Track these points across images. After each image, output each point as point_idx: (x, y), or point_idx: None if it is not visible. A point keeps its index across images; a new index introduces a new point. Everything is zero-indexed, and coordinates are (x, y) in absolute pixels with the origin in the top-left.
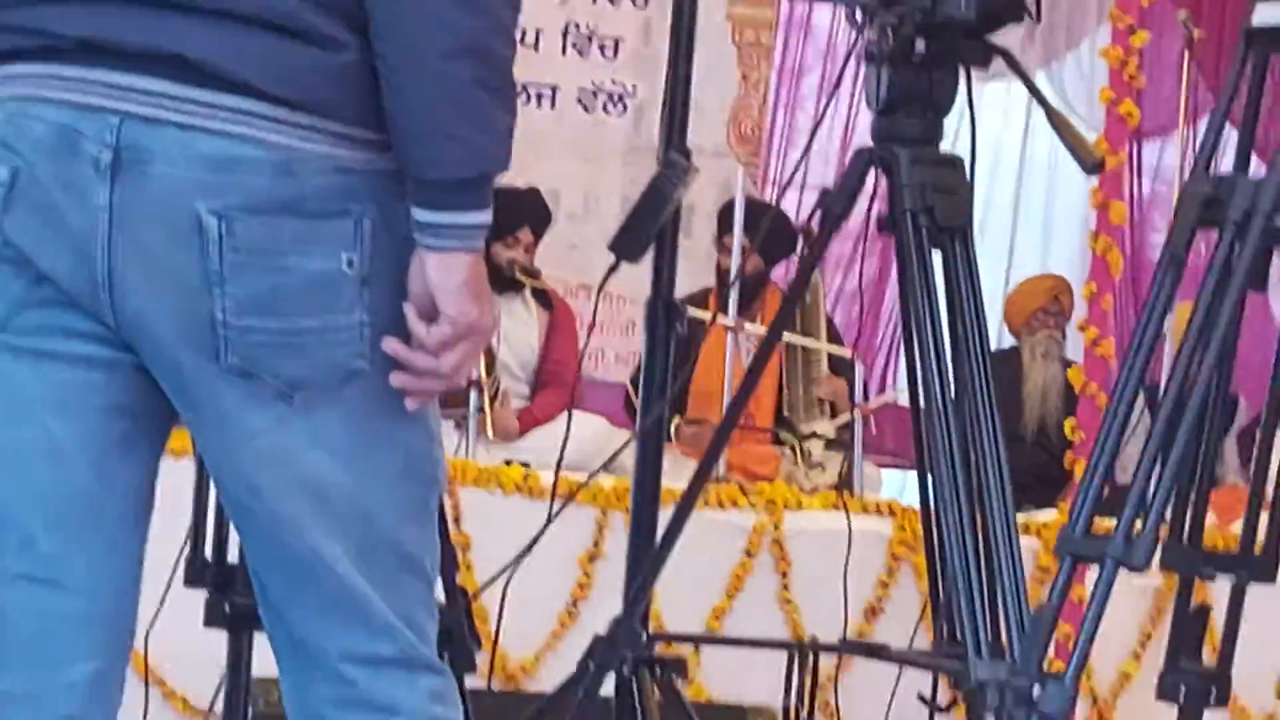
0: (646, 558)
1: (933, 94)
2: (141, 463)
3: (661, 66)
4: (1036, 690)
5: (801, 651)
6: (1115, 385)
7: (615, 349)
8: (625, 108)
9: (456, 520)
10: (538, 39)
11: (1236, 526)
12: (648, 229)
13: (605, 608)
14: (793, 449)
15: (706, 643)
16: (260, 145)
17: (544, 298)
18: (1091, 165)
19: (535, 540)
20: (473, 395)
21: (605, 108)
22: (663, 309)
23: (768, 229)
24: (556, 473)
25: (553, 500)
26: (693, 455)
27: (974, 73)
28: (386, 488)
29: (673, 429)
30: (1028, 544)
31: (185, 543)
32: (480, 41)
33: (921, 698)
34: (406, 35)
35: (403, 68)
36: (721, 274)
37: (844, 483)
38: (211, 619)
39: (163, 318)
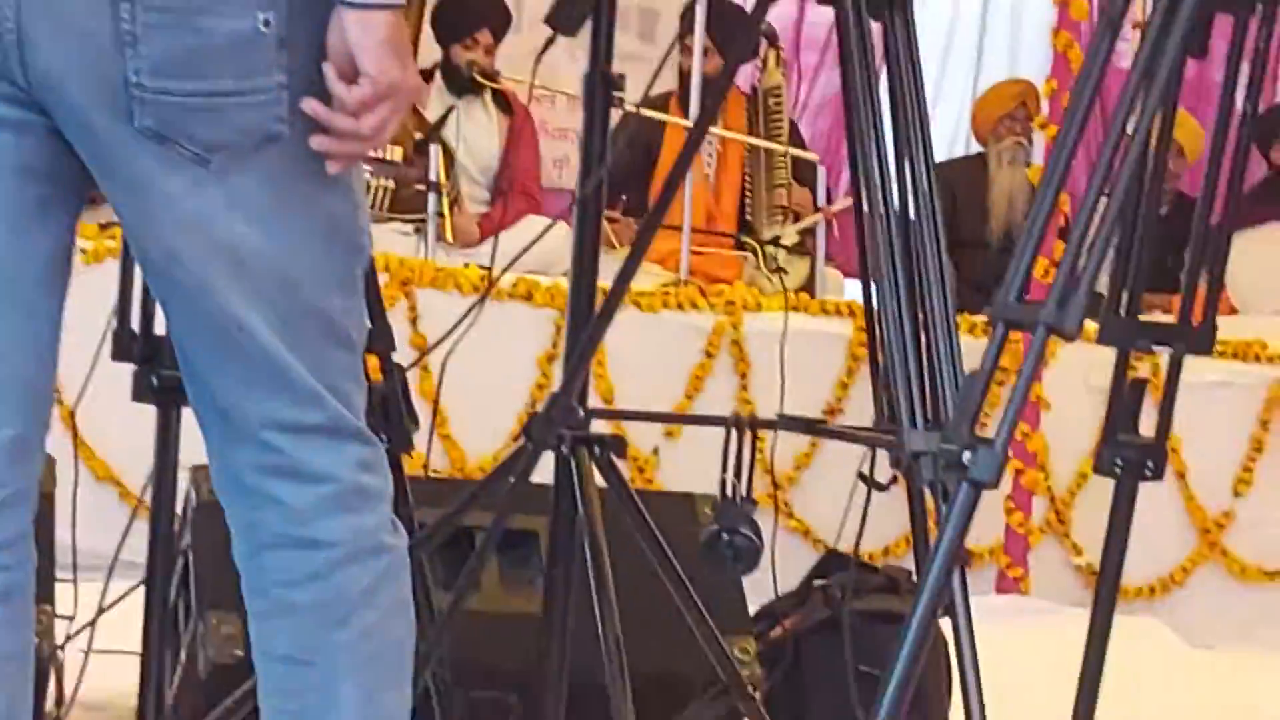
0: (583, 330)
1: None
2: (58, 228)
3: None
4: (967, 456)
5: (738, 427)
6: (1050, 154)
7: (558, 153)
8: None
9: (414, 321)
10: None
11: None
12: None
13: None
14: (754, 253)
15: (642, 419)
16: None
17: (504, 102)
18: None
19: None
20: (431, 199)
21: None
22: (600, 79)
23: (730, 26)
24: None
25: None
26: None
27: None
28: (309, 254)
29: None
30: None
31: (111, 317)
32: None
33: (861, 475)
34: None
35: None
36: (683, 75)
37: (805, 287)
38: (139, 393)
39: (74, 78)
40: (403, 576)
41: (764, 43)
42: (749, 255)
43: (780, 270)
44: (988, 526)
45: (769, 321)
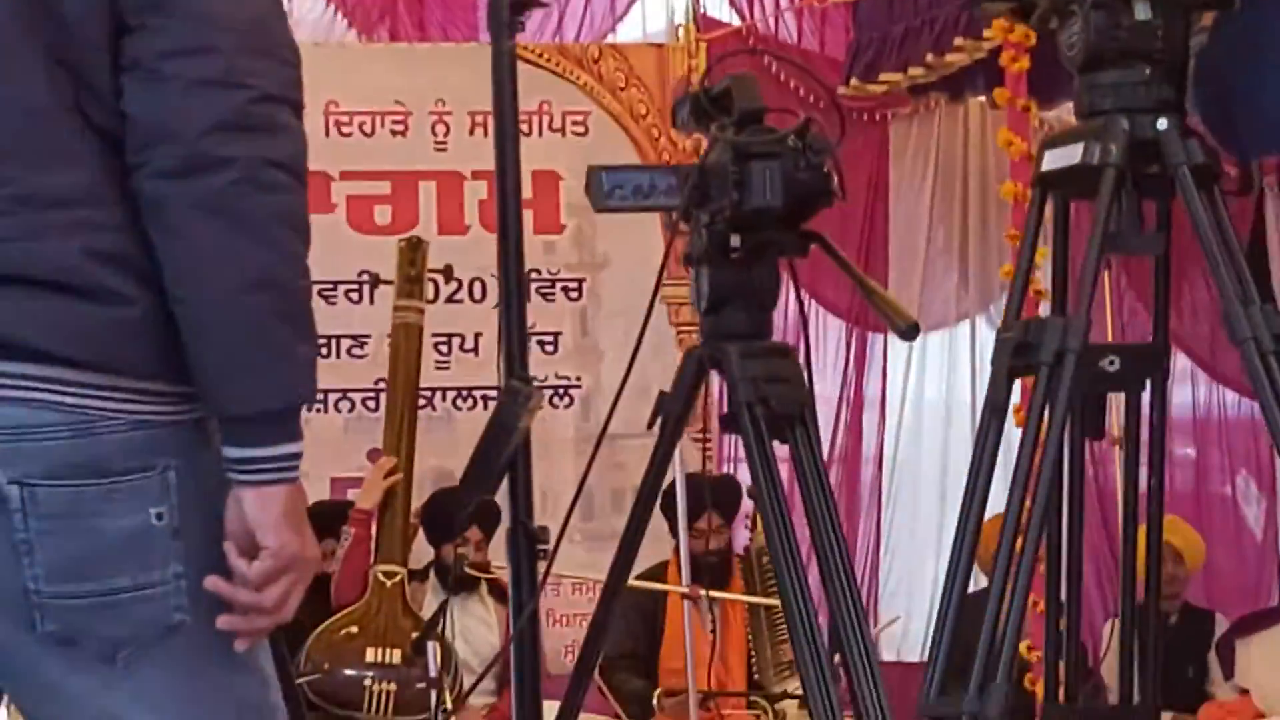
0: None
1: (755, 288)
2: None
3: (602, 356)
4: None
5: None
6: (951, 553)
7: (568, 640)
8: (572, 399)
9: None
10: (476, 344)
11: None
12: (497, 461)
13: None
14: (764, 711)
15: None
16: (55, 409)
17: (501, 592)
18: (906, 329)
19: None
20: (433, 696)
21: (552, 401)
22: (522, 534)
23: (726, 498)
24: None
25: None
26: None
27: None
28: None
29: (654, 701)
30: None
31: None
32: (272, 273)
33: None
34: (199, 275)
35: (199, 307)
36: (694, 557)
37: None
38: None
39: None
40: None
41: (750, 503)
42: (760, 715)
43: None
44: None
45: None
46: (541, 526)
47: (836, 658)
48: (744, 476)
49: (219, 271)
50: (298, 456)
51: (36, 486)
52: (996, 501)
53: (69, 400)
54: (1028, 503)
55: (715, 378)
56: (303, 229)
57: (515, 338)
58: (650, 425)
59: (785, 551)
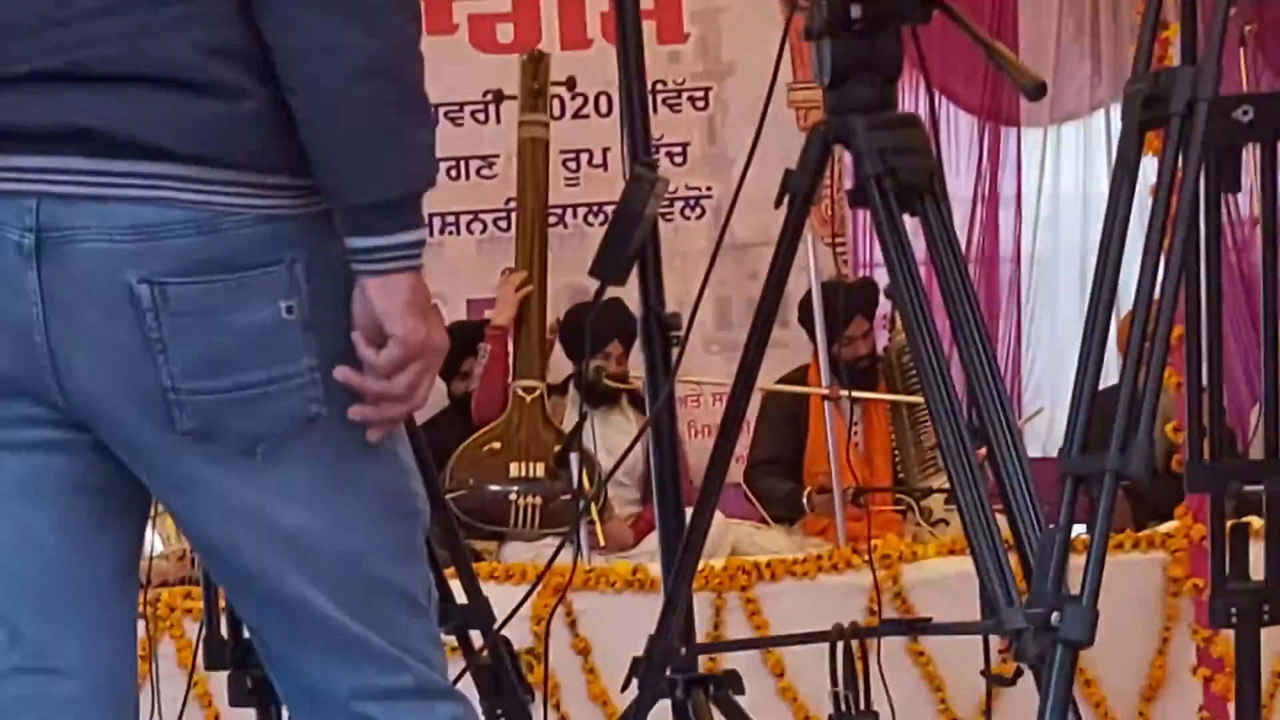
0: (675, 565)
1: (877, 58)
2: (118, 537)
3: (731, 164)
4: (1055, 616)
5: (843, 637)
6: (1088, 309)
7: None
8: (703, 210)
9: (572, 625)
10: (605, 159)
11: None
12: (627, 248)
13: None
14: (910, 509)
15: (748, 647)
16: (181, 207)
17: (642, 403)
18: (1032, 89)
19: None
20: (578, 508)
21: (684, 213)
22: (655, 322)
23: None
24: None
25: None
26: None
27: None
28: (365, 530)
29: (804, 500)
30: (1154, 557)
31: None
32: (384, 61)
33: (985, 673)
34: (310, 66)
35: (312, 99)
36: (844, 364)
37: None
38: (235, 697)
39: (112, 393)
40: None
41: (886, 301)
42: (907, 511)
43: (940, 521)
44: None
45: (929, 569)
46: (674, 313)
47: (982, 451)
48: (881, 278)
49: (331, 60)
50: (420, 244)
51: (166, 285)
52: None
53: (194, 197)
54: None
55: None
56: (414, 11)
57: (638, 124)
58: (777, 204)
59: (923, 333)
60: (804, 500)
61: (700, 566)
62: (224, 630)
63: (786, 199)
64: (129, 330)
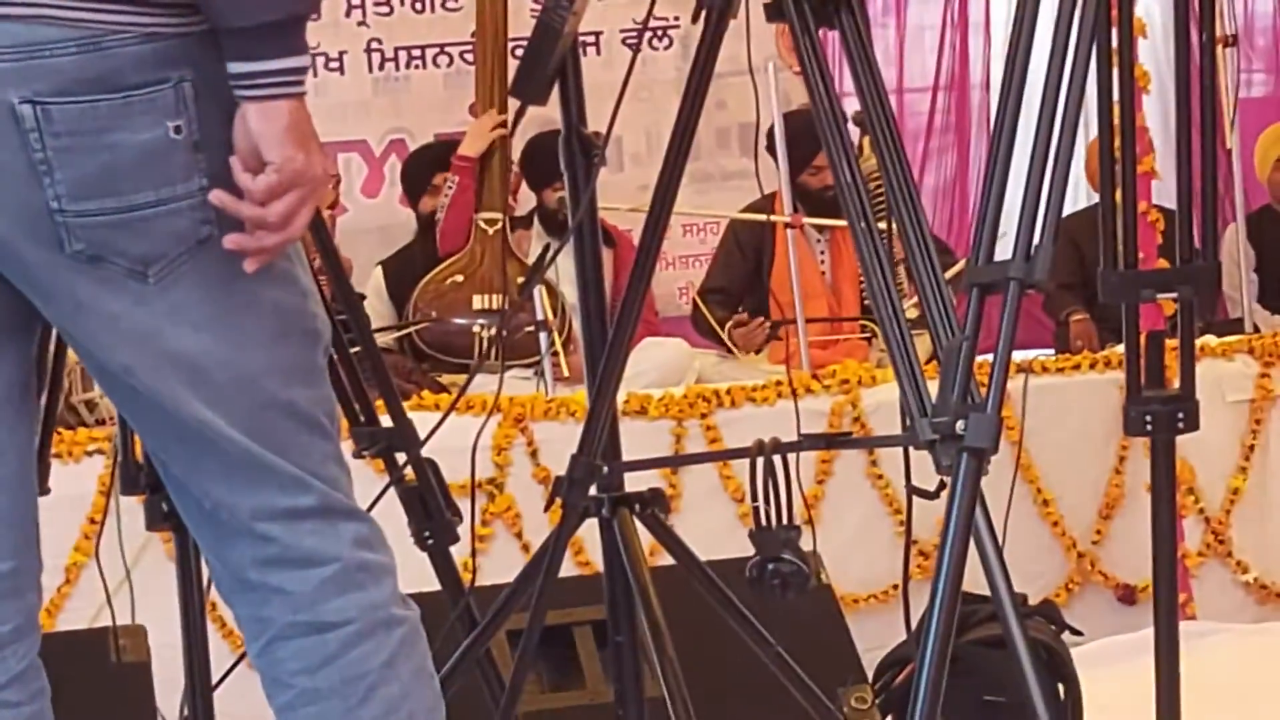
0: (597, 377)
1: None
2: (10, 362)
3: None
4: (960, 425)
5: (763, 452)
6: (996, 115)
7: (681, 282)
8: (670, 40)
9: (533, 454)
10: None
11: None
12: (547, 66)
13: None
14: (875, 335)
15: (669, 465)
16: (61, 25)
17: (605, 236)
18: None
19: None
20: (542, 339)
21: (651, 44)
22: (577, 141)
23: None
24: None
25: None
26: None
27: None
28: (264, 351)
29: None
30: (1112, 377)
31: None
32: None
33: (909, 486)
34: None
35: None
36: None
37: (933, 358)
38: (152, 521)
39: None
40: (420, 646)
41: (856, 130)
42: (872, 338)
43: None
44: (1144, 559)
45: (888, 393)
46: (595, 132)
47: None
48: (852, 106)
49: None
50: (302, 70)
51: (49, 105)
52: None
53: (75, 15)
54: None
55: None
56: None
57: None
58: (694, 19)
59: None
60: (725, 334)
61: (660, 395)
62: (139, 455)
63: (703, 15)
64: (12, 151)
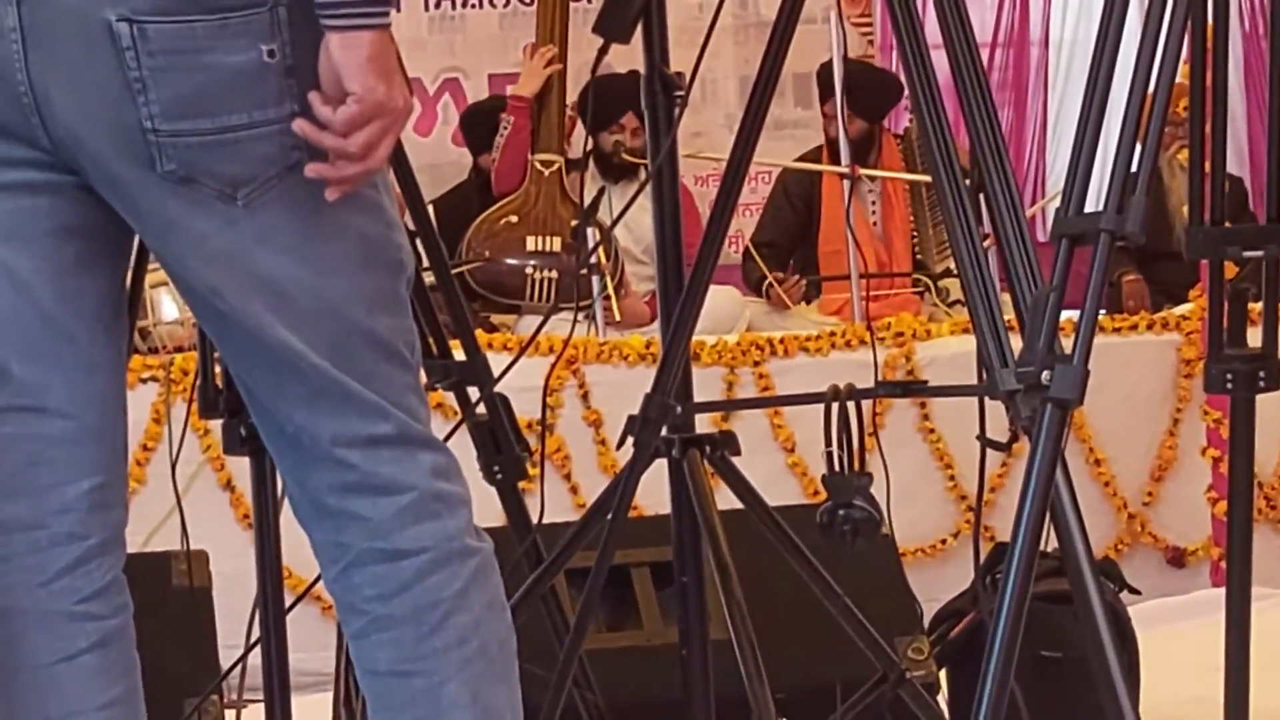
0: (673, 319)
1: None
2: (103, 279)
3: None
4: (1045, 375)
5: (838, 398)
6: (1090, 69)
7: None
8: None
9: (584, 397)
10: None
11: None
12: (631, 5)
13: None
14: (927, 289)
15: (745, 407)
16: None
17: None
18: None
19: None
20: (594, 282)
21: None
22: (658, 80)
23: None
24: None
25: None
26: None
27: None
28: (348, 278)
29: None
30: (1168, 339)
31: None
32: None
33: (980, 438)
34: None
35: None
36: (830, 141)
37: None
38: (229, 445)
39: (93, 132)
40: (493, 578)
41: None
42: (924, 292)
43: (957, 302)
44: (1194, 522)
45: (940, 347)
46: (677, 73)
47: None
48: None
49: None
50: (386, 1)
51: (146, 23)
52: None
53: None
54: None
55: None
56: None
57: None
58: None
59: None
60: (764, 291)
61: (714, 342)
62: (219, 380)
63: None
64: (109, 69)
